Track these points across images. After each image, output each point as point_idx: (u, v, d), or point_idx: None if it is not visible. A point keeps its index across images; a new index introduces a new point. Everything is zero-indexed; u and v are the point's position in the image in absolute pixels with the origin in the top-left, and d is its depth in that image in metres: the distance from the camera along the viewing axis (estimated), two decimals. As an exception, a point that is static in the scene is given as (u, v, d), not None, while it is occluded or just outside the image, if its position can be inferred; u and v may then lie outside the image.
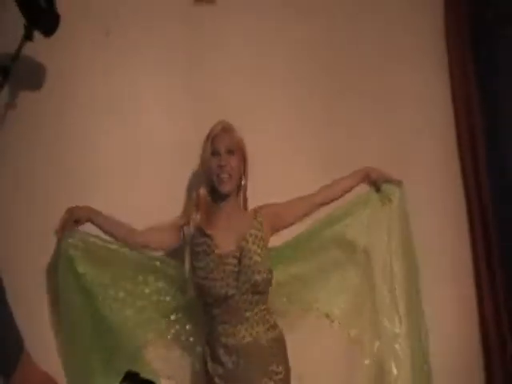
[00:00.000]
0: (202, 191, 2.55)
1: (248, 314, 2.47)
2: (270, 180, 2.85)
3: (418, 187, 2.97)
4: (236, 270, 2.46)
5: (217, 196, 2.57)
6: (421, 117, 3.24)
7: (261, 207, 2.62)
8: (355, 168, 2.77)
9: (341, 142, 3.09)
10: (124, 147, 2.76)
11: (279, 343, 2.54)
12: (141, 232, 2.59)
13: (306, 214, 2.67)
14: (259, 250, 2.51)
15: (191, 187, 2.73)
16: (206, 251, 2.50)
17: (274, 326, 2.54)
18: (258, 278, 2.46)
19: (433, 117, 3.28)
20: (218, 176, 2.51)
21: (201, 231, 2.53)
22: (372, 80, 3.17)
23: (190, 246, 2.51)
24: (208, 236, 2.51)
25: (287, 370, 2.52)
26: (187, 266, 2.49)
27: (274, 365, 2.48)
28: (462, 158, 3.32)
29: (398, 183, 2.74)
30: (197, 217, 2.54)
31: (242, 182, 2.60)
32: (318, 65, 3.10)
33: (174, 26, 2.87)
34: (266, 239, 2.58)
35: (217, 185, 2.53)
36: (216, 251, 2.49)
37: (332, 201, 2.70)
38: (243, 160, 2.59)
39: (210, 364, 2.49)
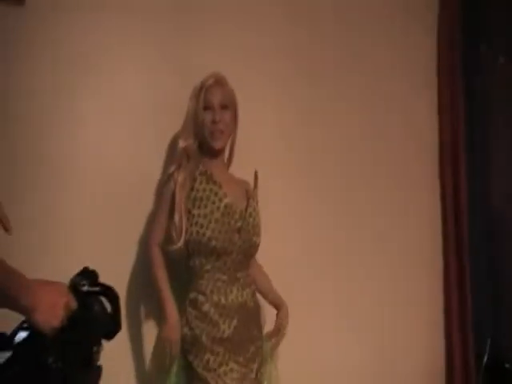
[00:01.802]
0: (192, 143, 2.38)
1: (239, 274, 2.37)
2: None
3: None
4: (239, 225, 2.35)
5: (206, 151, 2.43)
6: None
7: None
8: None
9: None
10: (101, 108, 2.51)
11: (260, 309, 2.47)
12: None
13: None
14: (259, 214, 2.45)
15: (174, 146, 2.52)
16: (211, 198, 2.34)
17: (255, 293, 2.45)
18: (256, 240, 2.40)
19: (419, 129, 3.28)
20: (211, 132, 2.37)
21: (207, 177, 2.38)
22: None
23: (182, 191, 2.32)
24: (216, 183, 2.37)
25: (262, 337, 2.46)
26: (179, 210, 2.30)
27: (257, 329, 2.41)
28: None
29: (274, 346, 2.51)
30: (189, 164, 2.36)
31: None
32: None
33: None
34: None
35: (209, 140, 2.38)
36: (225, 200, 2.35)
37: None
38: (235, 115, 2.46)
39: (197, 325, 2.29)
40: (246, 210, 2.39)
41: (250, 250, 2.39)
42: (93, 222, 2.43)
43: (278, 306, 2.52)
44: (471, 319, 3.09)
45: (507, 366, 2.44)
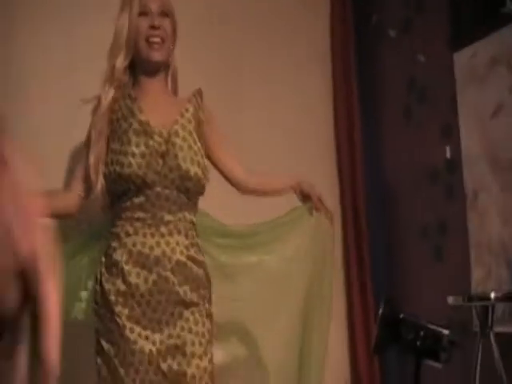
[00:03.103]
0: (120, 62, 1.96)
1: (169, 217, 1.87)
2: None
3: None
4: (163, 148, 1.88)
5: (140, 69, 2.02)
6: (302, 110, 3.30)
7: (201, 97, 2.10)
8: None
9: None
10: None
11: (205, 274, 1.96)
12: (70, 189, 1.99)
13: (232, 182, 2.15)
14: (194, 136, 1.96)
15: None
16: (125, 116, 1.93)
17: (193, 246, 1.94)
18: (189, 167, 1.89)
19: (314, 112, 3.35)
20: (148, 40, 1.96)
21: (123, 93, 1.97)
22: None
23: (105, 115, 1.96)
24: (131, 97, 1.95)
25: (209, 308, 1.96)
26: (98, 139, 1.92)
27: (195, 293, 1.89)
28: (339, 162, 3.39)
29: (330, 217, 2.20)
30: (110, 90, 1.96)
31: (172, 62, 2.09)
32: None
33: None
34: (202, 136, 2.02)
35: (145, 52, 1.97)
36: (139, 116, 1.91)
37: (259, 196, 2.21)
38: (175, 29, 2.05)
39: (105, 278, 1.87)
40: (172, 128, 1.93)
41: (183, 184, 1.89)
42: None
43: (293, 187, 2.12)
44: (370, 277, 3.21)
45: (402, 316, 2.59)
